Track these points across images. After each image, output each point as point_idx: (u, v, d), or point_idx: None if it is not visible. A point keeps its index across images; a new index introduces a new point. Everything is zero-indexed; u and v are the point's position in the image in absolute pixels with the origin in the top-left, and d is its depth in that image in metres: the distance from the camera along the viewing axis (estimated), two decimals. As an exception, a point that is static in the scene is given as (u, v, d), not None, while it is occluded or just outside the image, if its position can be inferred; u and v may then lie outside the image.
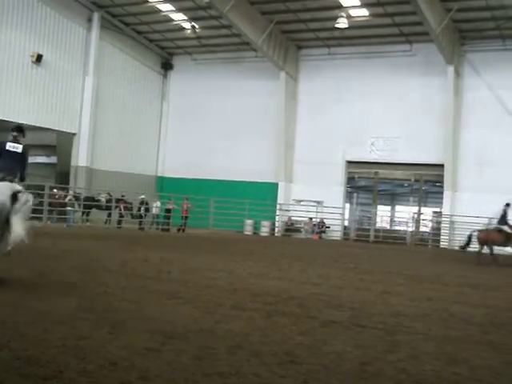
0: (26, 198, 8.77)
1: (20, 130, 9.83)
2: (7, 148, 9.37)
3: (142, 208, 30.94)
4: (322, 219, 34.58)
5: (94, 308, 7.43)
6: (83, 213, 29.59)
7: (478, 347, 6.63)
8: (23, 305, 7.40)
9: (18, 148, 9.44)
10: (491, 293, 11.94)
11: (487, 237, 19.91)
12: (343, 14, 30.90)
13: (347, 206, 40.76)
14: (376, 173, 35.48)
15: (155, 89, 40.16)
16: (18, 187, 8.86)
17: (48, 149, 38.88)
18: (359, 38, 34.05)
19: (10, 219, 8.51)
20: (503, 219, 20.24)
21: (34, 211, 26.93)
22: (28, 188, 28.96)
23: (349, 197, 40.25)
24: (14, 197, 8.56)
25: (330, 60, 35.60)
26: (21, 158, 9.47)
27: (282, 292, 9.81)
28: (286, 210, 36.08)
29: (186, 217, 31.36)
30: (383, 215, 51.50)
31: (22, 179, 9.55)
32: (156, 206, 31.73)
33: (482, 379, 5.35)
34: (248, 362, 5.37)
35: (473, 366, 5.77)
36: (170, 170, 39.94)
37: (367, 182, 41.08)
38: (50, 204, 26.99)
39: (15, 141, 9.53)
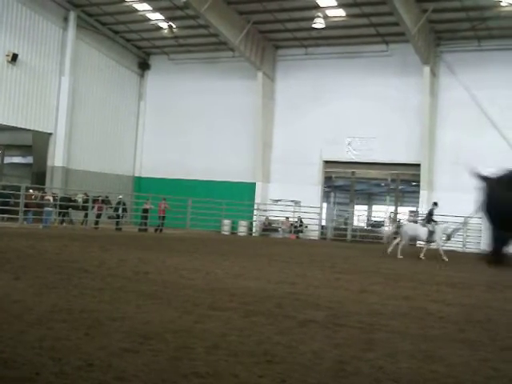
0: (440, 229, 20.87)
1: (436, 204, 21.44)
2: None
3: (120, 208, 30.71)
4: (299, 217, 34.67)
5: (71, 309, 7.38)
6: (60, 213, 29.34)
7: (455, 345, 6.69)
8: (-2, 306, 7.33)
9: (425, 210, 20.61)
10: (467, 291, 12.06)
11: None
12: (320, 14, 31.00)
13: (324, 205, 40.88)
14: (353, 172, 35.59)
15: (132, 89, 39.88)
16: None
17: (24, 149, 38.52)
18: (336, 38, 34.14)
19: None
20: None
21: (8, 212, 26.87)
22: (3, 188, 28.94)
23: (326, 196, 40.33)
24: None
25: (307, 60, 35.64)
26: (428, 216, 20.46)
27: (259, 292, 9.82)
28: (264, 210, 36.10)
29: (164, 217, 31.24)
30: (360, 215, 51.70)
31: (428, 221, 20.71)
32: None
33: (458, 376, 5.40)
34: (226, 361, 5.37)
35: (449, 363, 5.82)
36: (148, 170, 39.70)
37: (344, 182, 41.22)
38: (26, 205, 26.74)
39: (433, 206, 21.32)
